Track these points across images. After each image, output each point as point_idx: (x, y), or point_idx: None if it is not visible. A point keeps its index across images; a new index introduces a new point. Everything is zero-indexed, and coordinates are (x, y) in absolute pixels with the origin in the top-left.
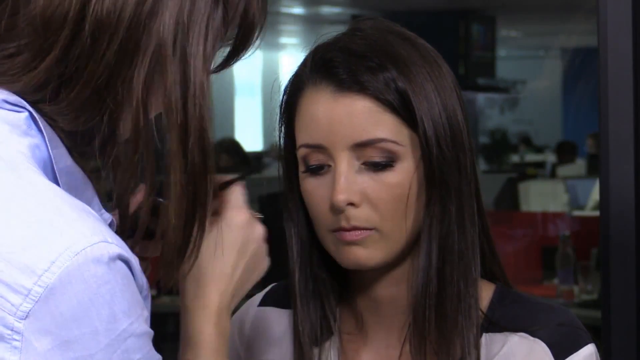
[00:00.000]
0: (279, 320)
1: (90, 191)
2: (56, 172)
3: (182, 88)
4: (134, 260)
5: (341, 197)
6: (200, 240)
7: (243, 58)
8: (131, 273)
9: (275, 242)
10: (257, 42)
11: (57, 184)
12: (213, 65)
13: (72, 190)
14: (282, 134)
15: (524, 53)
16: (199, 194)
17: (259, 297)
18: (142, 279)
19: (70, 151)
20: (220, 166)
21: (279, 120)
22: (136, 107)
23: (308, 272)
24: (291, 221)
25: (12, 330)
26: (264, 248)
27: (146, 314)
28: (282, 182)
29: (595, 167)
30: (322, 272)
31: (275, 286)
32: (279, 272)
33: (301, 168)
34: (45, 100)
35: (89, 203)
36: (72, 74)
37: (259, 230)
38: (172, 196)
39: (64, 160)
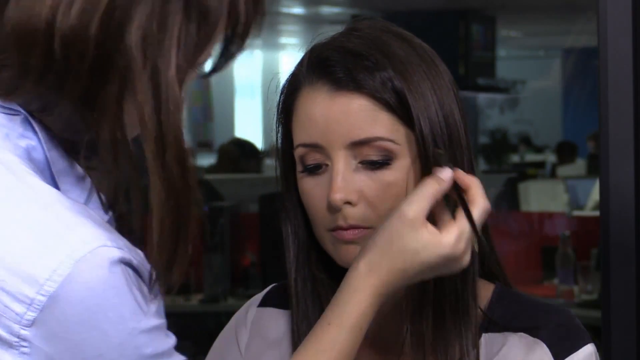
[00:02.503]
0: (278, 321)
1: (87, 190)
2: (54, 173)
3: (154, 101)
4: (139, 258)
5: (338, 196)
6: (186, 256)
7: (238, 58)
8: (135, 271)
9: (275, 242)
10: (253, 40)
11: (56, 184)
12: (207, 68)
13: (71, 189)
14: (279, 134)
15: (524, 53)
16: (181, 209)
17: (259, 297)
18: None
19: (69, 151)
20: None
21: (276, 120)
22: (112, 122)
23: (306, 272)
24: (289, 221)
25: (18, 337)
26: (454, 270)
27: (155, 306)
28: (280, 182)
29: (595, 167)
30: (320, 271)
31: (275, 287)
32: (279, 272)
33: (298, 168)
34: (38, 112)
35: (87, 202)
36: (54, 91)
37: (464, 262)
38: (153, 211)
39: (61, 161)
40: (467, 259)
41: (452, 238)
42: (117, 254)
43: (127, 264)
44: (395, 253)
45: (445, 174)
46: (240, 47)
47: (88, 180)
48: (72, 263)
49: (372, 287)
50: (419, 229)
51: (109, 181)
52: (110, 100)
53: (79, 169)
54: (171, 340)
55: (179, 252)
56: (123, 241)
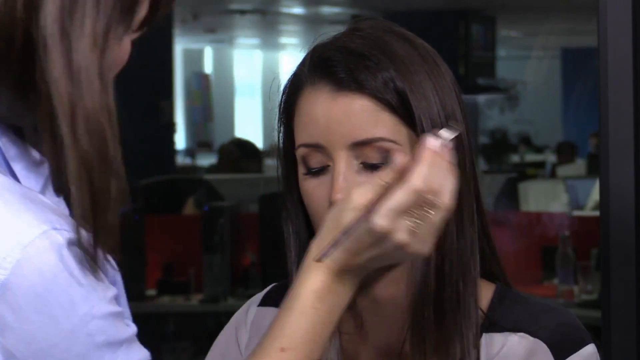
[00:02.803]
0: None
1: (44, 176)
2: (8, 160)
3: (67, 72)
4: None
5: (340, 197)
6: (112, 227)
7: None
8: (89, 255)
9: (276, 242)
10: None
11: (12, 171)
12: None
13: (27, 175)
14: (281, 134)
15: (524, 53)
16: (98, 185)
17: (259, 297)
18: (104, 259)
19: (23, 136)
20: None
21: (278, 120)
22: (47, 103)
23: None
24: (290, 221)
25: None
26: (398, 252)
27: (110, 293)
28: (281, 182)
29: (595, 167)
30: None
31: (276, 286)
32: (279, 272)
33: (300, 168)
34: None
35: (44, 187)
36: None
37: (397, 239)
38: (71, 186)
39: (14, 147)
40: (399, 237)
41: (376, 214)
42: (66, 236)
43: (79, 247)
44: (337, 231)
45: (399, 161)
46: (166, 7)
47: (46, 165)
48: (21, 249)
49: (320, 264)
50: (356, 210)
51: (50, 164)
52: (41, 80)
53: (36, 155)
54: (131, 329)
55: (102, 224)
56: (75, 225)
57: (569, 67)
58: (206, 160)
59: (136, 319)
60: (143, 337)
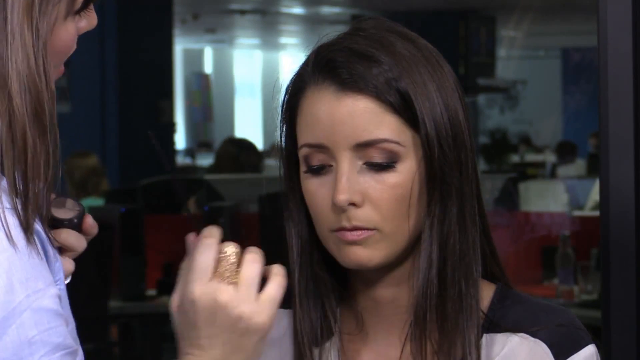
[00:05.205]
0: (279, 321)
1: None
2: None
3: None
4: (44, 233)
5: (343, 197)
6: (39, 197)
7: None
8: (41, 245)
9: (276, 241)
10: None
11: None
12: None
13: None
14: (283, 134)
15: (524, 53)
16: (31, 148)
17: None
18: (51, 253)
19: None
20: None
21: (281, 120)
22: None
23: (308, 272)
24: (292, 221)
25: None
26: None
27: (53, 291)
28: (283, 181)
29: (595, 167)
30: (323, 272)
31: None
32: None
33: (302, 168)
34: None
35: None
36: None
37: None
38: (3, 145)
39: None
40: (221, 297)
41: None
42: (15, 216)
43: (17, 217)
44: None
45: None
46: None
47: None
48: None
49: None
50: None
51: None
52: None
53: None
54: (74, 344)
55: (33, 191)
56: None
57: (569, 67)
58: (206, 160)
59: (136, 319)
60: (143, 337)
